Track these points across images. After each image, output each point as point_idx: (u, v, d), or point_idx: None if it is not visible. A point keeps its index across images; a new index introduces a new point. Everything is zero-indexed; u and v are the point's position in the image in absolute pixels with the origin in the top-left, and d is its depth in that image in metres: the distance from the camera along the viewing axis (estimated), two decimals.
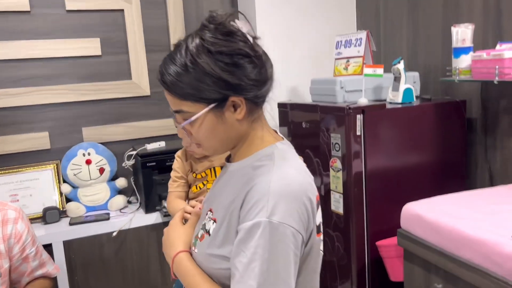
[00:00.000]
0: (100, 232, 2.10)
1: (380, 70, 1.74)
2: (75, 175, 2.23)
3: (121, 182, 2.32)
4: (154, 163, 2.18)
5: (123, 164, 2.27)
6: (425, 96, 2.02)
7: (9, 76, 2.20)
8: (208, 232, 0.96)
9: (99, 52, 2.33)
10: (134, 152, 2.25)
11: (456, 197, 1.58)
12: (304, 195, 0.89)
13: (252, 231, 0.85)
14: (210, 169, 1.32)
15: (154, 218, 2.20)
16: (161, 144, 2.30)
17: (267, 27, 2.36)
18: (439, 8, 2.10)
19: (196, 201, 1.11)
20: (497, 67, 1.55)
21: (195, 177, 1.33)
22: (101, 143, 2.32)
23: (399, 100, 1.86)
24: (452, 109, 1.91)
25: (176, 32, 2.45)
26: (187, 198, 1.34)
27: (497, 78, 1.56)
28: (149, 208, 2.21)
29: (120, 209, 2.28)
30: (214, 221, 0.96)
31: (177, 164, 1.34)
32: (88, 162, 2.24)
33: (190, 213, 1.08)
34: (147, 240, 2.19)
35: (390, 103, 1.90)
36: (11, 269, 1.37)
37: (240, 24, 0.94)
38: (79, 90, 2.32)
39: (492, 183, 1.94)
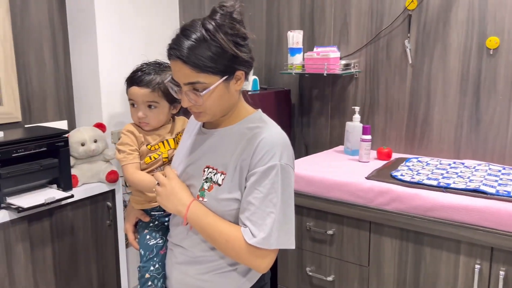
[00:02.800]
0: None
1: None
2: None
3: None
4: None
5: None
6: (262, 86, 2.49)
7: None
8: (216, 183, 1.15)
9: None
10: None
11: (305, 160, 2.11)
12: (291, 145, 1.19)
13: (267, 172, 1.11)
14: (163, 141, 1.42)
15: (0, 216, 1.95)
16: (0, 135, 2.04)
17: (104, 16, 2.37)
18: (262, 15, 2.61)
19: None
20: (326, 63, 2.14)
21: (149, 149, 1.40)
22: None
23: (249, 88, 2.27)
24: (282, 96, 2.44)
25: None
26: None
27: (325, 72, 2.15)
28: None
29: None
30: (222, 173, 1.15)
31: (129, 138, 1.38)
32: None
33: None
34: None
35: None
36: None
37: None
38: None
39: (307, 152, 2.58)
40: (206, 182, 1.17)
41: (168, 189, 1.17)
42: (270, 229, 1.09)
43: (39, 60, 2.39)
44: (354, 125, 2.19)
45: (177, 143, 1.40)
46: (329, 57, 2.15)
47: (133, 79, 1.43)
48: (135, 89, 1.42)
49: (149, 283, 1.31)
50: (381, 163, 2.07)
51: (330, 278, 1.89)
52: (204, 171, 1.18)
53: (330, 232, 1.86)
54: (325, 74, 2.17)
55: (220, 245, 1.14)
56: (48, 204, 2.00)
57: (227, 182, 1.14)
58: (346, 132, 2.23)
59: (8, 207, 1.95)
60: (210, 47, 1.07)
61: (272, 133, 1.16)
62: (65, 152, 2.17)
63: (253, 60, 1.19)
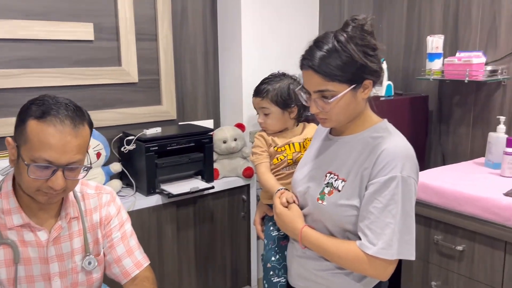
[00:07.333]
0: None
1: None
2: None
3: (116, 167, 2.34)
4: (156, 148, 2.26)
5: (123, 149, 2.31)
6: (398, 92, 2.46)
7: (0, 57, 2.09)
8: (336, 188, 1.21)
9: (91, 37, 2.33)
10: (131, 137, 2.30)
11: (440, 170, 2.03)
12: (415, 157, 1.19)
13: (387, 183, 1.13)
14: (289, 144, 1.57)
15: (155, 200, 2.28)
16: (158, 130, 2.38)
17: (249, 25, 2.58)
18: (402, 20, 2.56)
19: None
20: (467, 69, 2.03)
21: (276, 150, 1.56)
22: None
23: (383, 93, 2.26)
24: (419, 103, 2.37)
25: (164, 23, 2.54)
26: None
27: (467, 79, 2.04)
28: (150, 191, 2.29)
29: (117, 193, 2.31)
30: (343, 180, 1.21)
31: (259, 141, 1.58)
32: None
33: (288, 202, 1.33)
34: (148, 221, 2.27)
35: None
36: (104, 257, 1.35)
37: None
38: (70, 74, 2.28)
39: (444, 162, 2.45)
40: (327, 186, 1.24)
41: (280, 219, 1.31)
42: (389, 239, 1.12)
43: (193, 66, 2.72)
44: (498, 136, 2.03)
45: (304, 148, 1.51)
46: (472, 63, 2.02)
47: (254, 90, 1.68)
48: (253, 98, 1.69)
49: (271, 272, 1.44)
50: None
51: None
52: (326, 176, 1.26)
53: (459, 248, 1.77)
54: (466, 81, 2.06)
55: (337, 261, 1.22)
56: (192, 192, 2.29)
57: (347, 189, 1.20)
58: (488, 144, 2.08)
59: (161, 192, 2.29)
60: (341, 57, 1.14)
61: (395, 143, 1.18)
62: (210, 148, 2.44)
63: (382, 70, 1.23)
